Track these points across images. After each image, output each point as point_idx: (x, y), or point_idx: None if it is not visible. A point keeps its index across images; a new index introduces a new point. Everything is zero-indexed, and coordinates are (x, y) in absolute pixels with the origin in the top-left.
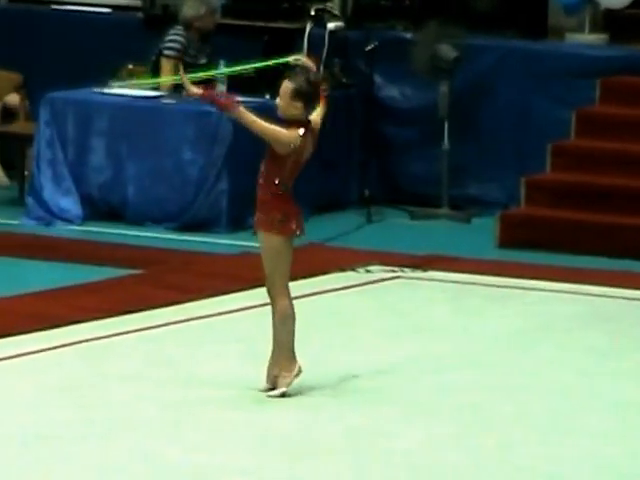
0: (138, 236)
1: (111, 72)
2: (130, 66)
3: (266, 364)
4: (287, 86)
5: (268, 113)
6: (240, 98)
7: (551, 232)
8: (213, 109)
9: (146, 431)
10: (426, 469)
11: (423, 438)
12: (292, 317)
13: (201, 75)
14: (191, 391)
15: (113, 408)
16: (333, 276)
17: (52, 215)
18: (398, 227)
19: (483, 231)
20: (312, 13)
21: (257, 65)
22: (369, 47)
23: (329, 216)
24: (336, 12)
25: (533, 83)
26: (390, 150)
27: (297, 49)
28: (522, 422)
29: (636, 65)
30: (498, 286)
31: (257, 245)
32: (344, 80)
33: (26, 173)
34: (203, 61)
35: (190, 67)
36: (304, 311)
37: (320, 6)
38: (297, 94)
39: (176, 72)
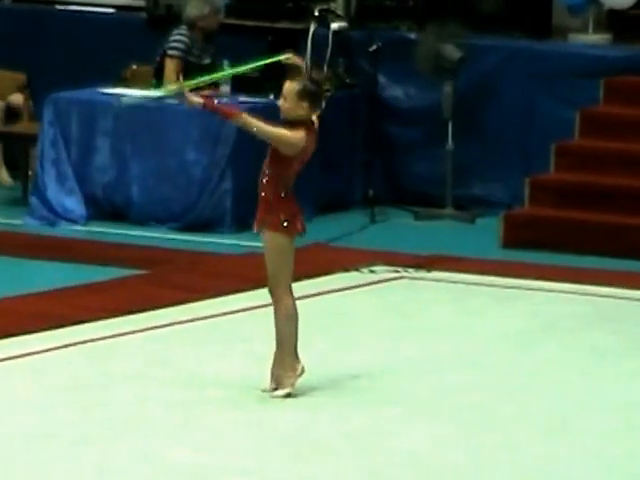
0: (142, 236)
1: (116, 76)
2: (134, 66)
3: (270, 364)
4: (292, 87)
5: (273, 113)
6: (244, 98)
7: (555, 232)
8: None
9: (150, 431)
10: (428, 469)
11: (426, 438)
12: (296, 317)
13: (200, 81)
14: (195, 391)
15: (117, 408)
16: (337, 276)
17: (56, 215)
18: (402, 227)
19: (487, 231)
20: (316, 13)
21: (250, 66)
22: (373, 47)
23: (333, 216)
24: (340, 12)
25: (537, 83)
26: (394, 150)
27: (301, 49)
28: (525, 422)
29: None
30: (502, 286)
31: (261, 245)
32: (348, 80)
33: (30, 173)
34: (207, 61)
35: (194, 67)
36: (308, 311)
37: (324, 6)
38: (303, 94)
39: (180, 73)
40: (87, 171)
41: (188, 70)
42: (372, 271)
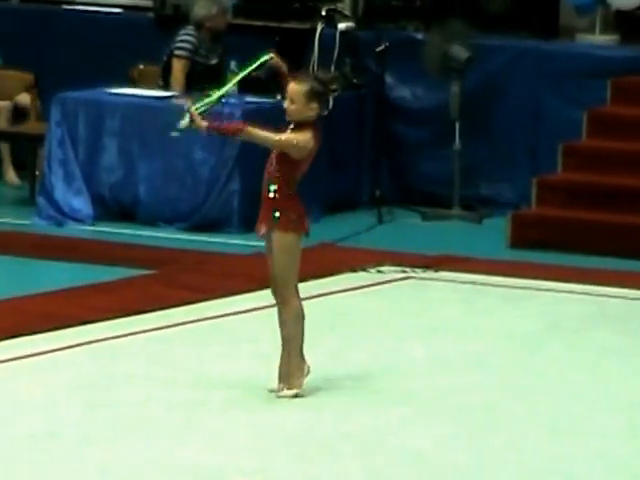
0: (149, 236)
1: (123, 76)
2: (141, 66)
3: (276, 365)
4: (300, 89)
5: (280, 113)
6: (251, 98)
7: (562, 232)
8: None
9: (154, 431)
10: (433, 469)
11: (431, 438)
12: (303, 318)
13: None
14: (200, 391)
15: (122, 408)
16: (344, 276)
17: (63, 215)
18: (409, 227)
19: (494, 231)
20: (323, 13)
21: (240, 76)
22: (380, 47)
23: (340, 216)
24: (347, 12)
25: (544, 83)
26: (401, 150)
27: (308, 49)
28: (531, 422)
29: None
30: (509, 286)
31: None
32: (355, 80)
33: (37, 173)
34: (214, 61)
35: (201, 67)
36: (315, 311)
37: (331, 6)
38: (312, 95)
39: (187, 73)
40: (94, 171)
41: (195, 70)
42: (379, 271)
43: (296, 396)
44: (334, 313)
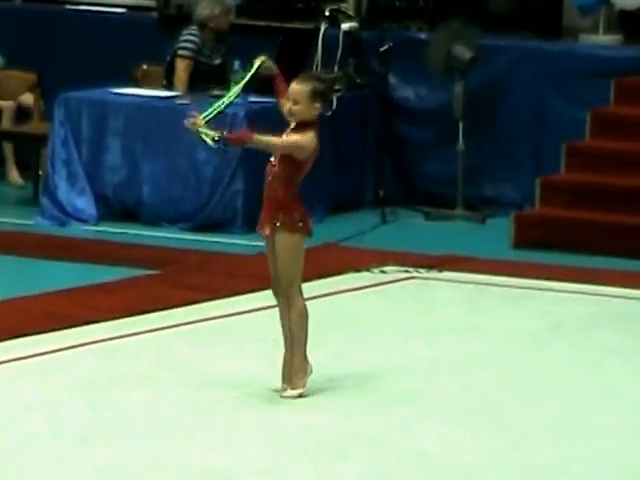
0: (153, 236)
1: (126, 75)
2: (145, 66)
3: (280, 365)
4: (303, 89)
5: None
6: (255, 98)
7: (566, 232)
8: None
9: (160, 431)
10: (439, 469)
11: (436, 438)
12: (307, 318)
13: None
14: (206, 391)
15: (127, 408)
16: (348, 276)
17: (67, 215)
18: (413, 227)
19: (498, 231)
20: (327, 13)
21: (237, 88)
22: (384, 47)
23: (344, 216)
24: (350, 12)
25: (548, 83)
26: (405, 150)
27: (312, 49)
28: (536, 422)
29: None
30: (513, 286)
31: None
32: (359, 80)
33: (41, 173)
34: (218, 61)
35: (205, 67)
36: (318, 311)
37: (335, 6)
38: (315, 94)
39: (190, 73)
40: (98, 171)
41: (198, 70)
42: (383, 271)
43: (300, 396)
44: (338, 313)
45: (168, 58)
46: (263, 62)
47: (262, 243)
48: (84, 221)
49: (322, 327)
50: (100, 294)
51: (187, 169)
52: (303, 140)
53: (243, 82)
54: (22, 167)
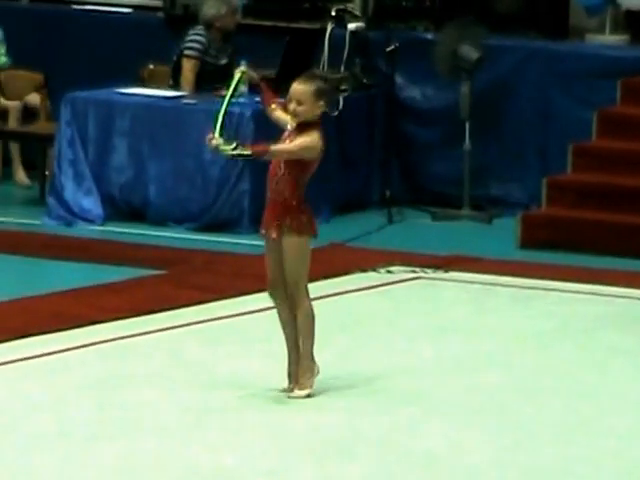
0: (159, 236)
1: (133, 75)
2: (151, 66)
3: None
4: (307, 89)
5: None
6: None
7: (572, 232)
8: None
9: (166, 431)
10: (446, 470)
11: (443, 439)
12: (314, 318)
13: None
14: (212, 391)
15: (134, 408)
16: (354, 276)
17: (73, 215)
18: (419, 227)
19: (505, 231)
20: (333, 13)
21: (227, 102)
22: (390, 47)
23: (350, 216)
24: (357, 12)
25: (554, 84)
26: (411, 150)
27: (318, 49)
28: (542, 422)
29: None
30: (519, 287)
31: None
32: (365, 80)
33: (47, 173)
34: (224, 61)
35: (211, 67)
36: (325, 311)
37: (341, 6)
38: (320, 94)
39: (196, 73)
40: (104, 171)
41: (205, 70)
42: (389, 271)
43: (308, 396)
44: (344, 313)
45: (174, 58)
46: (244, 73)
47: None
48: (90, 221)
49: (328, 327)
50: (106, 294)
51: (194, 169)
52: (311, 141)
53: (228, 97)
54: (28, 167)
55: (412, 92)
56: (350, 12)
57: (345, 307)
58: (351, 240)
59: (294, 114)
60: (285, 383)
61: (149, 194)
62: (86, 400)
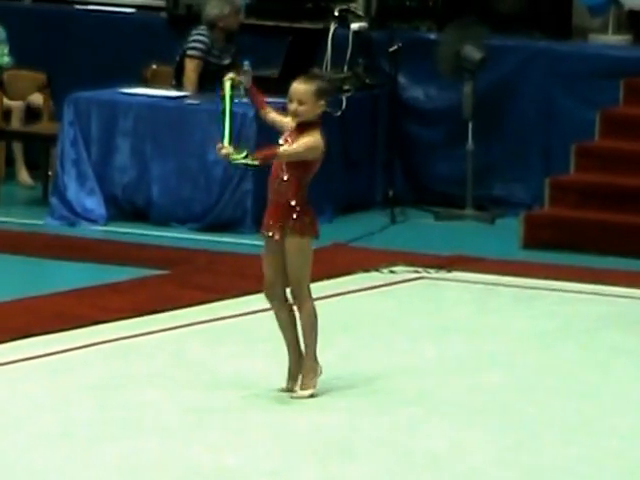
0: (162, 236)
1: (136, 76)
2: (154, 66)
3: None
4: (308, 88)
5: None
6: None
7: (575, 233)
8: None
9: (169, 431)
10: (448, 470)
11: (446, 438)
12: (317, 318)
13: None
14: (215, 391)
15: (137, 409)
16: (357, 277)
17: (76, 215)
18: (422, 227)
19: (507, 232)
20: (336, 13)
21: (228, 118)
22: (393, 48)
23: (353, 216)
24: (360, 12)
25: (557, 84)
26: (414, 150)
27: (321, 49)
28: (544, 422)
29: None
30: (522, 287)
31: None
32: (368, 81)
33: (50, 173)
34: (227, 61)
35: (214, 67)
36: (328, 311)
37: (344, 6)
38: (320, 93)
39: (199, 73)
40: (107, 171)
41: (208, 70)
42: (392, 271)
43: (311, 396)
44: (347, 313)
45: (177, 58)
46: (233, 80)
47: None
48: (93, 221)
49: (331, 327)
50: (109, 294)
51: (197, 169)
52: (314, 140)
53: (228, 108)
54: (31, 167)
55: (415, 92)
56: (353, 12)
57: (348, 307)
58: (354, 240)
59: (295, 114)
60: (282, 384)
61: (152, 194)
62: (88, 400)
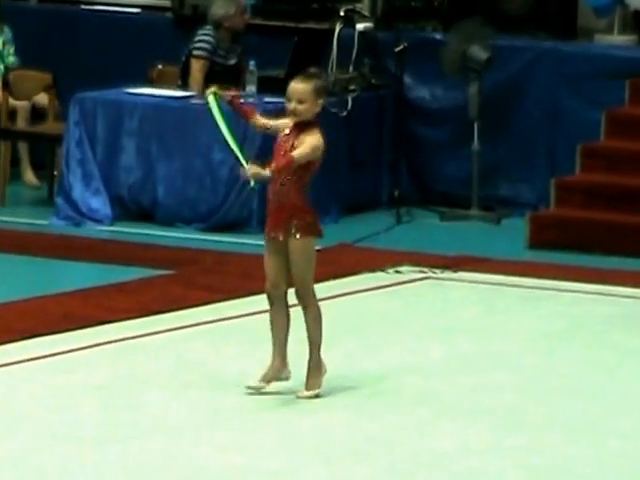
0: (168, 236)
1: (141, 76)
2: (160, 66)
3: (297, 364)
4: (307, 88)
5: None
6: (269, 98)
7: (581, 233)
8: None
9: (175, 432)
10: (455, 470)
11: (452, 438)
12: (322, 318)
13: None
14: (221, 392)
15: (143, 409)
16: (363, 277)
17: (81, 215)
18: (428, 228)
19: (513, 232)
20: (342, 14)
21: (229, 137)
22: (399, 48)
23: (359, 217)
24: (366, 13)
25: (563, 84)
26: (420, 151)
27: (327, 50)
28: (551, 423)
29: None
30: (528, 287)
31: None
32: (374, 81)
33: (55, 173)
34: (233, 61)
35: (220, 67)
36: (333, 312)
37: (350, 7)
38: (319, 91)
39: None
40: (113, 171)
41: (214, 70)
42: (398, 272)
43: (317, 396)
44: (352, 313)
45: (183, 58)
46: (216, 94)
47: None
48: (99, 221)
49: (337, 327)
50: (115, 294)
51: (202, 169)
52: (317, 140)
53: (223, 124)
54: (37, 167)
55: (421, 92)
56: (359, 12)
57: (354, 307)
58: (360, 240)
59: (295, 113)
60: (298, 383)
61: (158, 194)
62: (94, 400)
